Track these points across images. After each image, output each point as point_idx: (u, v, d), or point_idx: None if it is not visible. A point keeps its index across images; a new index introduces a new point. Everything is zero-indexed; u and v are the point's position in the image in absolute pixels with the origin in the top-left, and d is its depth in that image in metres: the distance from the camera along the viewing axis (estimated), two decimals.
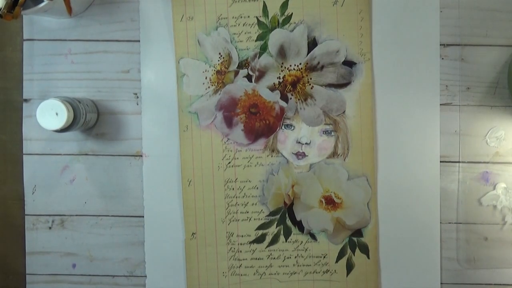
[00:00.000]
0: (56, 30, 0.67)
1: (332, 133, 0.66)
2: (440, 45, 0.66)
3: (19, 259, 0.69)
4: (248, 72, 0.66)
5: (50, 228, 0.69)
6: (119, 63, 0.67)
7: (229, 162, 0.67)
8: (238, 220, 0.67)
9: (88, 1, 0.66)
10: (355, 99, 0.66)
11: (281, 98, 0.66)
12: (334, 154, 0.66)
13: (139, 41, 0.67)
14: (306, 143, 0.66)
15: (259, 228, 0.67)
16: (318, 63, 0.65)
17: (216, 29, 0.66)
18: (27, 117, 0.68)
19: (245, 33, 0.66)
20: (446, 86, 0.66)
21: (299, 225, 0.67)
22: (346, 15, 0.65)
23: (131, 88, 0.67)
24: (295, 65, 0.66)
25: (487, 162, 0.66)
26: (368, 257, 0.67)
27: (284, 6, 0.65)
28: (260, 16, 0.66)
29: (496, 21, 0.65)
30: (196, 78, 0.66)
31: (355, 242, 0.67)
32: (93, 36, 0.67)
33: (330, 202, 0.66)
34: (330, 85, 0.66)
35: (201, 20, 0.66)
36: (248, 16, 0.66)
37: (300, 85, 0.66)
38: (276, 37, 0.66)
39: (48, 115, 0.60)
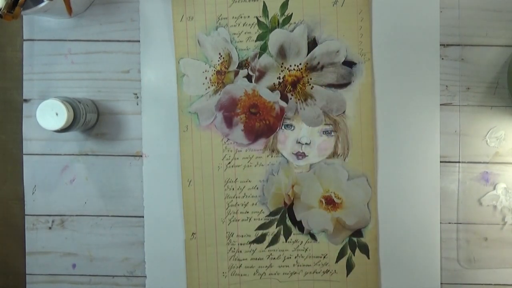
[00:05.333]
0: (56, 30, 0.67)
1: (332, 133, 0.66)
2: (440, 45, 0.66)
3: (19, 259, 0.69)
4: (248, 72, 0.66)
5: (50, 228, 0.69)
6: (119, 63, 0.67)
7: (229, 162, 0.67)
8: (238, 220, 0.67)
9: (88, 1, 0.66)
10: (355, 99, 0.66)
11: (281, 98, 0.66)
12: (334, 154, 0.66)
13: (139, 41, 0.67)
14: (306, 143, 0.66)
15: (259, 228, 0.67)
16: (318, 63, 0.65)
17: (216, 29, 0.66)
18: (27, 117, 0.68)
19: (245, 33, 0.66)
20: (446, 86, 0.66)
21: (299, 225, 0.67)
22: (346, 15, 0.65)
23: (131, 88, 0.67)
24: (295, 65, 0.66)
25: (487, 162, 0.66)
26: (368, 257, 0.67)
27: (284, 6, 0.65)
28: (260, 16, 0.66)
29: (496, 21, 0.65)
30: (196, 78, 0.66)
31: (355, 242, 0.67)
32: (93, 36, 0.67)
33: (330, 202, 0.66)
34: (330, 85, 0.66)
35: (201, 20, 0.66)
36: (248, 16, 0.66)
37: (300, 85, 0.66)
38: (276, 37, 0.66)
39: (48, 115, 0.60)
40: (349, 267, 0.67)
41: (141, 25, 0.67)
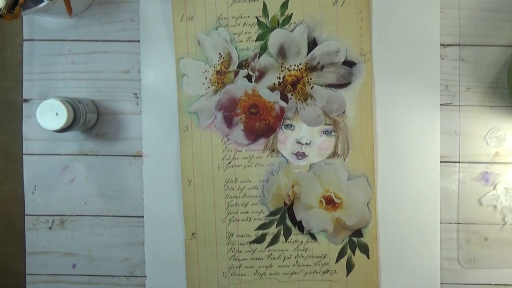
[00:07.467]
0: (56, 30, 0.67)
1: (332, 133, 0.66)
2: (440, 45, 0.66)
3: (19, 259, 0.69)
4: (248, 72, 0.66)
5: (50, 228, 0.69)
6: (119, 63, 0.67)
7: (229, 162, 0.67)
8: (238, 220, 0.67)
9: (88, 1, 0.66)
10: (355, 99, 0.66)
11: (281, 98, 0.66)
12: (334, 154, 0.66)
13: (139, 41, 0.67)
14: (306, 143, 0.66)
15: (259, 228, 0.67)
16: (318, 63, 0.65)
17: (216, 29, 0.66)
18: (27, 117, 0.68)
19: (245, 33, 0.66)
20: (446, 86, 0.66)
21: (299, 225, 0.67)
22: (346, 15, 0.65)
23: (131, 88, 0.67)
24: (295, 65, 0.66)
25: (487, 162, 0.66)
26: (368, 257, 0.67)
27: (284, 6, 0.65)
28: (260, 16, 0.66)
29: (496, 21, 0.65)
30: (196, 78, 0.66)
31: (355, 242, 0.67)
32: (93, 36, 0.67)
33: (330, 202, 0.66)
34: (330, 85, 0.66)
35: (201, 20, 0.66)
36: (248, 16, 0.66)
37: (300, 85, 0.66)
38: (276, 37, 0.66)
39: (48, 115, 0.60)
40: (349, 267, 0.67)
41: (141, 25, 0.67)
